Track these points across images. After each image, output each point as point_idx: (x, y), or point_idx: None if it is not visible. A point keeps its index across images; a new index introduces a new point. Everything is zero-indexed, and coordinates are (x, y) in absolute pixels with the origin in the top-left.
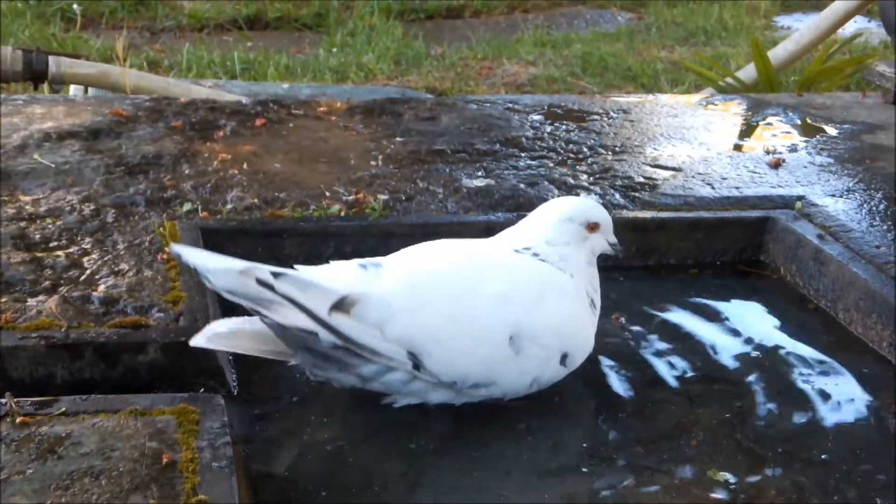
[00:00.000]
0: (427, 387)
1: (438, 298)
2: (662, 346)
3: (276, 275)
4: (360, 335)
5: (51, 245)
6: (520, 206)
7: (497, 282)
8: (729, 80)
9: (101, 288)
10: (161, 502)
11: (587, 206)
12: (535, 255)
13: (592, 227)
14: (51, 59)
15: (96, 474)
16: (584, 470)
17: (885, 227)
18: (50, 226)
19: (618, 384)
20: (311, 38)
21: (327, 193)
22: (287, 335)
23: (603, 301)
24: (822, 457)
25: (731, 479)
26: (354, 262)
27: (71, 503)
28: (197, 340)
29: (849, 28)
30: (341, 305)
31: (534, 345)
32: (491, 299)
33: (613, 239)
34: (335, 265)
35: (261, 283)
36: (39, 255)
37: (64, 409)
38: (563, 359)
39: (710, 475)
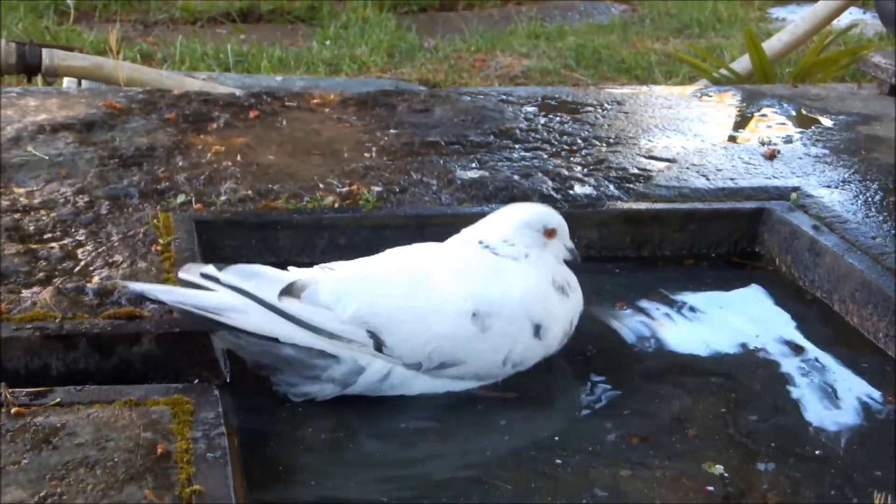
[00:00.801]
0: (404, 379)
1: (391, 278)
2: (657, 338)
3: (219, 268)
4: (312, 316)
5: (45, 237)
6: (514, 197)
7: (449, 263)
8: (723, 71)
9: (96, 279)
10: (156, 492)
11: (544, 212)
12: (488, 247)
13: (550, 233)
14: (44, 51)
15: (91, 464)
16: (576, 461)
17: (881, 218)
18: (44, 217)
19: (611, 377)
20: (305, 30)
21: (321, 185)
22: (248, 346)
23: (600, 291)
24: (817, 451)
25: (725, 472)
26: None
27: (66, 493)
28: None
29: (843, 19)
30: (290, 290)
31: (499, 319)
32: (444, 276)
33: (570, 244)
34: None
35: (206, 276)
36: (34, 246)
37: (59, 399)
38: (537, 331)
39: (704, 468)
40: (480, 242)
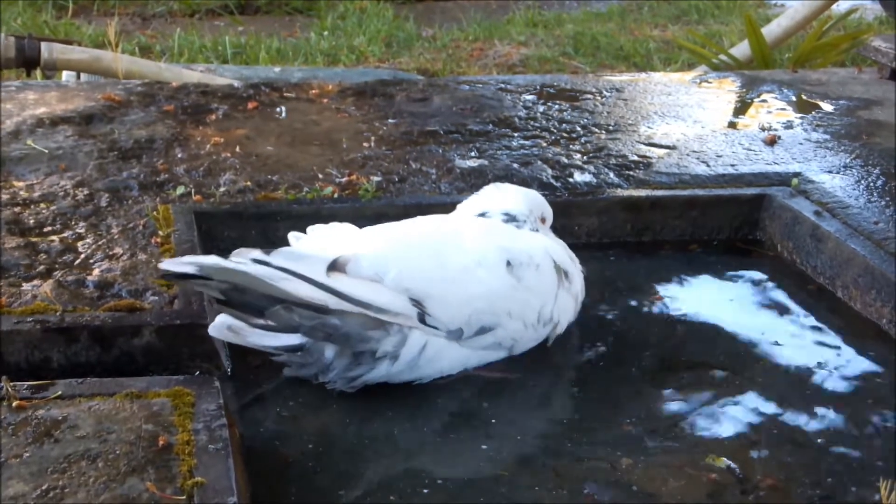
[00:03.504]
0: (440, 350)
1: (425, 243)
2: (658, 325)
3: (267, 252)
4: (360, 291)
5: (45, 230)
6: None
7: (474, 228)
8: (723, 57)
9: (96, 272)
10: (158, 485)
11: (542, 199)
12: (508, 220)
13: (542, 220)
14: (43, 45)
15: (93, 457)
16: (578, 451)
17: (883, 203)
18: (44, 211)
19: (613, 365)
20: (302, 21)
21: (320, 175)
22: (302, 322)
23: (601, 279)
24: (818, 440)
25: (728, 462)
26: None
27: (68, 486)
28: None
29: (843, 4)
30: (335, 265)
31: (529, 269)
32: (474, 238)
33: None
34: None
35: (257, 261)
36: (34, 239)
37: (60, 392)
38: (566, 276)
39: (708, 457)
40: (503, 214)
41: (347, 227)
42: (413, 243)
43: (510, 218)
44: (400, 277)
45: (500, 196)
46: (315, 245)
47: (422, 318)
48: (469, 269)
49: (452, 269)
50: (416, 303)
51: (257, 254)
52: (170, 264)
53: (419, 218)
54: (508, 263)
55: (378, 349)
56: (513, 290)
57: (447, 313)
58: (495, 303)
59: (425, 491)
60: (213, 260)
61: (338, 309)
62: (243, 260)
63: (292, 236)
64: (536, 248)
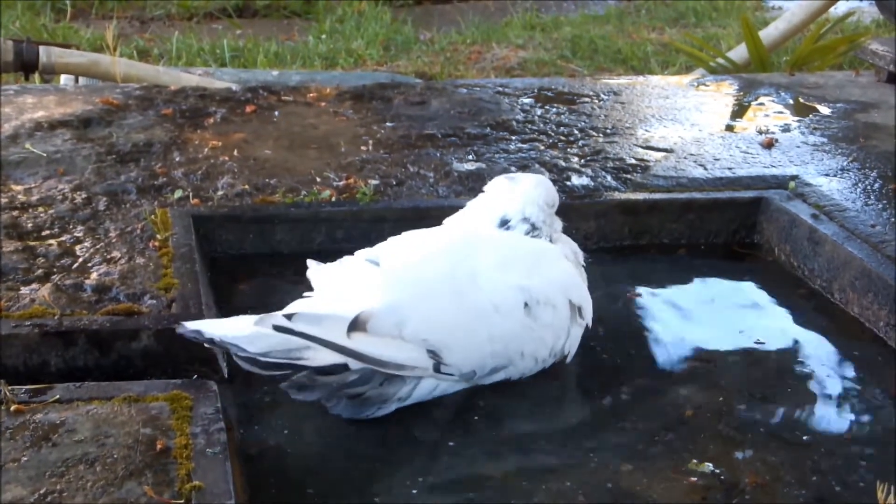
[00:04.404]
0: (447, 387)
1: (444, 285)
2: (654, 329)
3: (288, 316)
4: (382, 351)
5: (43, 234)
6: None
7: (494, 256)
8: (720, 60)
9: (94, 276)
10: (155, 489)
11: (553, 188)
12: (531, 229)
13: (551, 205)
14: (41, 49)
15: (91, 461)
16: (573, 455)
17: (880, 206)
18: (42, 214)
19: (608, 369)
20: (301, 24)
21: (318, 179)
22: (322, 387)
23: (597, 282)
24: (805, 438)
25: (715, 467)
26: (361, 259)
27: (66, 490)
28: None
29: (840, 6)
30: (356, 325)
31: (547, 308)
32: (494, 266)
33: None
34: (337, 272)
35: (278, 328)
36: (32, 243)
37: (58, 396)
38: (580, 312)
39: (702, 461)
40: (525, 223)
41: (360, 262)
42: (430, 288)
43: (531, 227)
44: (418, 329)
45: (516, 196)
46: (333, 287)
47: (437, 368)
48: (486, 314)
49: (469, 316)
50: (433, 354)
51: (279, 319)
52: (189, 329)
53: (437, 235)
54: (526, 305)
55: (391, 397)
56: (528, 331)
57: (462, 360)
58: (510, 345)
59: (421, 490)
60: (223, 331)
61: (358, 368)
62: (265, 328)
63: (312, 265)
64: (554, 286)
